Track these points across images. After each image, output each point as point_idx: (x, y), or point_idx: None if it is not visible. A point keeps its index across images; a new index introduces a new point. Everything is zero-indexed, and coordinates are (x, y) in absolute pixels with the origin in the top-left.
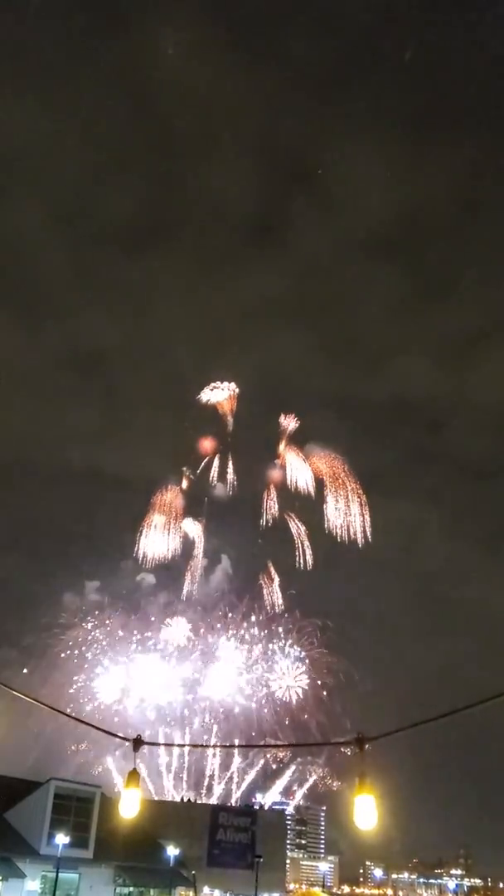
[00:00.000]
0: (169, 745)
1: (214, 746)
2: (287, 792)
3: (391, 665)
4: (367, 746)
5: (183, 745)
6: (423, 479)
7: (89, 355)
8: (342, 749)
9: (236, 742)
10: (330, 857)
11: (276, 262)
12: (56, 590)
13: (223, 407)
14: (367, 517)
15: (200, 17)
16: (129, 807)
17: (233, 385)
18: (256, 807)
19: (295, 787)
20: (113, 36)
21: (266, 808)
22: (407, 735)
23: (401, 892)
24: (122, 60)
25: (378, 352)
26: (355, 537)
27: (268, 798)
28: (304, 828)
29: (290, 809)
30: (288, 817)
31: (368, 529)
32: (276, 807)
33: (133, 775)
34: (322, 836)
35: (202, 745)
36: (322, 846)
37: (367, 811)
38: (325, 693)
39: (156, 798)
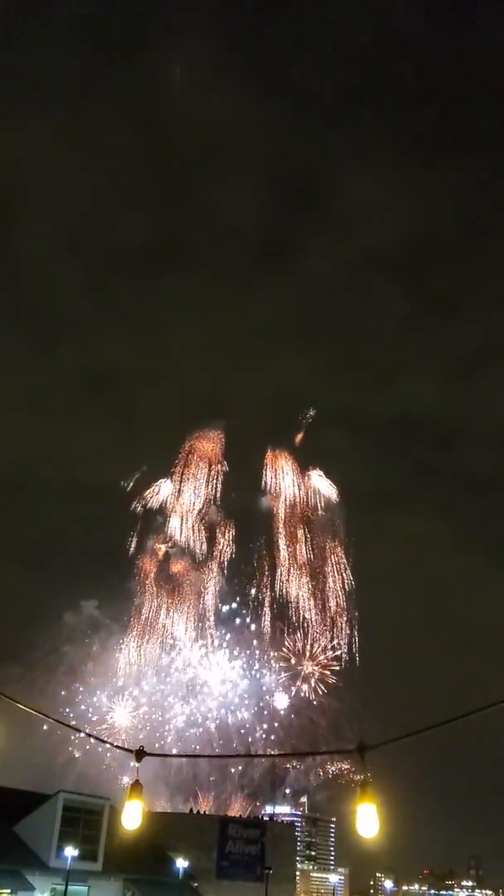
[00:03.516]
0: (172, 755)
1: (217, 756)
2: (296, 802)
3: (398, 678)
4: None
5: (186, 756)
6: (432, 494)
7: (102, 374)
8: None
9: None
10: (340, 869)
11: (284, 283)
12: (64, 605)
13: (209, 454)
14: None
15: (213, 44)
16: (131, 819)
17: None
18: (266, 818)
19: (304, 799)
20: (126, 63)
21: (275, 819)
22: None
23: None
24: (136, 87)
25: (385, 370)
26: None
27: (277, 809)
28: (314, 840)
29: (300, 821)
30: (298, 829)
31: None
32: (286, 818)
33: (135, 787)
34: (332, 848)
35: (205, 756)
36: (332, 858)
37: (368, 819)
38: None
39: (164, 810)
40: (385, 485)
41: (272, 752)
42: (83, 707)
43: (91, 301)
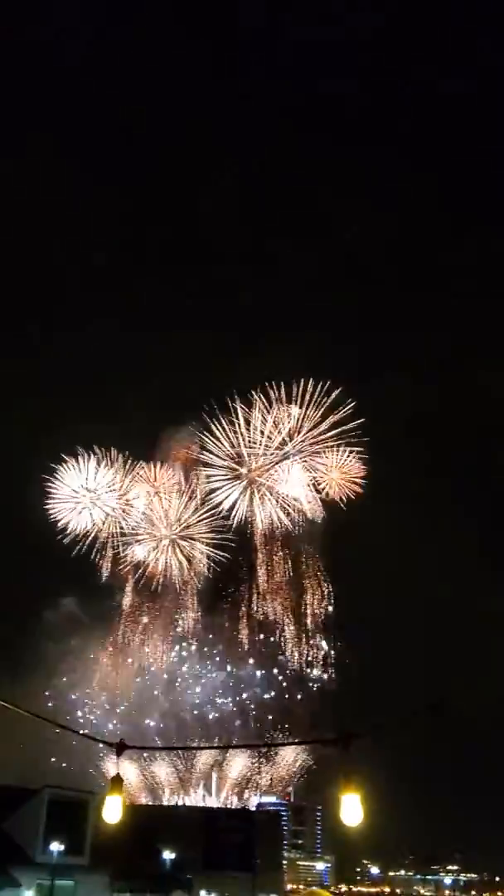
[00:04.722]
0: (153, 748)
1: (199, 748)
2: (283, 791)
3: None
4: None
5: (167, 749)
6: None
7: (93, 370)
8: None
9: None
10: (327, 857)
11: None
12: (43, 602)
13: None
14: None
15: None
16: (112, 813)
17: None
18: (252, 808)
19: (290, 788)
20: None
21: (262, 809)
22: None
23: (398, 890)
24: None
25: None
26: None
27: (263, 799)
28: (300, 828)
29: (286, 810)
30: (284, 818)
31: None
32: (272, 808)
33: (116, 781)
34: (318, 836)
35: (186, 748)
36: (319, 845)
37: (352, 808)
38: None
39: (151, 803)
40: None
41: (252, 743)
42: (65, 701)
43: (79, 300)
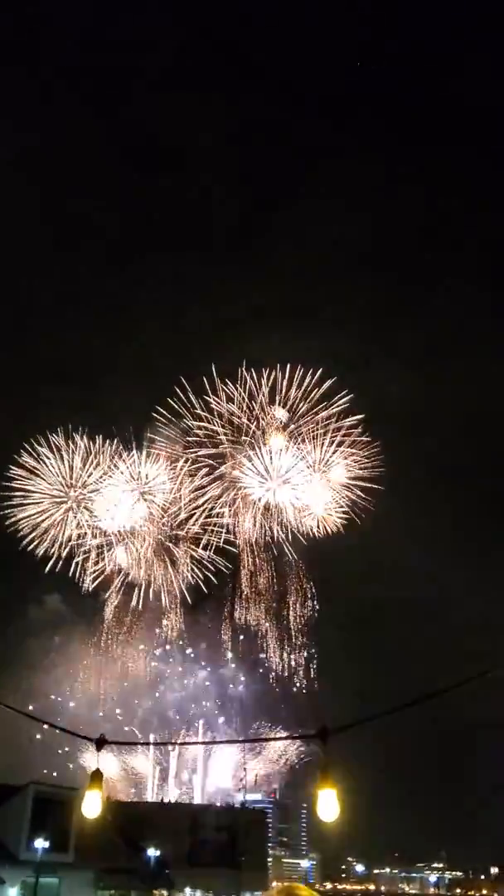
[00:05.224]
0: (133, 743)
1: (179, 744)
2: (268, 789)
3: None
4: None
5: (147, 744)
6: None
7: (73, 368)
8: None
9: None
10: (312, 854)
11: (256, 274)
12: (28, 598)
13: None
14: None
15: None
16: (91, 807)
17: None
18: (237, 805)
19: (276, 786)
20: None
21: (246, 806)
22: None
23: (383, 887)
24: None
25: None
26: None
27: (248, 796)
28: (286, 825)
29: (271, 807)
30: (269, 815)
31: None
32: (257, 805)
33: (96, 776)
34: (304, 833)
35: (167, 743)
36: (304, 843)
37: (329, 804)
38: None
39: (135, 799)
40: None
41: (233, 739)
42: (46, 699)
43: (61, 294)
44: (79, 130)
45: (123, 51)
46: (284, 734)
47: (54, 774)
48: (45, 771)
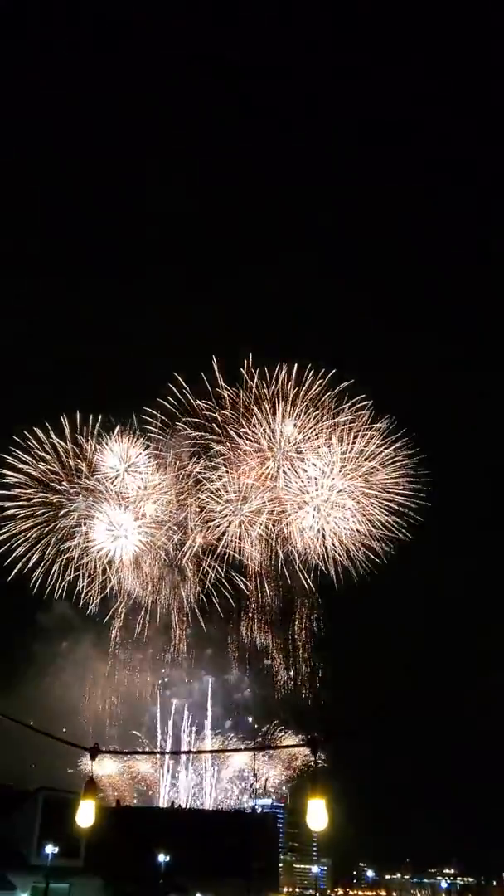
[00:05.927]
0: (128, 752)
1: (176, 753)
2: (278, 794)
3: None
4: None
5: (142, 752)
6: None
7: (70, 369)
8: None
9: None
10: (323, 860)
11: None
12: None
13: None
14: None
15: None
16: (85, 817)
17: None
18: (248, 811)
19: (286, 790)
20: None
21: (257, 812)
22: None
23: (394, 893)
24: None
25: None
26: None
27: (259, 802)
28: (296, 830)
29: (282, 813)
30: (280, 821)
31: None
32: (268, 810)
33: (90, 785)
34: (315, 839)
35: (162, 752)
36: (315, 848)
37: (318, 814)
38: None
39: (145, 805)
40: None
41: (229, 748)
42: (55, 702)
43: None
44: None
45: None
46: (288, 742)
47: (68, 771)
48: (66, 770)
